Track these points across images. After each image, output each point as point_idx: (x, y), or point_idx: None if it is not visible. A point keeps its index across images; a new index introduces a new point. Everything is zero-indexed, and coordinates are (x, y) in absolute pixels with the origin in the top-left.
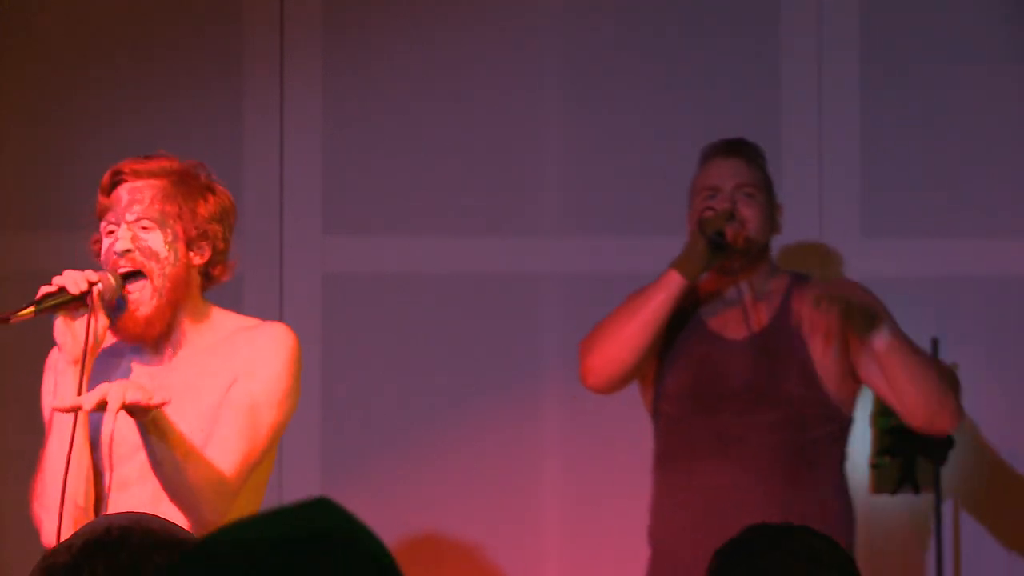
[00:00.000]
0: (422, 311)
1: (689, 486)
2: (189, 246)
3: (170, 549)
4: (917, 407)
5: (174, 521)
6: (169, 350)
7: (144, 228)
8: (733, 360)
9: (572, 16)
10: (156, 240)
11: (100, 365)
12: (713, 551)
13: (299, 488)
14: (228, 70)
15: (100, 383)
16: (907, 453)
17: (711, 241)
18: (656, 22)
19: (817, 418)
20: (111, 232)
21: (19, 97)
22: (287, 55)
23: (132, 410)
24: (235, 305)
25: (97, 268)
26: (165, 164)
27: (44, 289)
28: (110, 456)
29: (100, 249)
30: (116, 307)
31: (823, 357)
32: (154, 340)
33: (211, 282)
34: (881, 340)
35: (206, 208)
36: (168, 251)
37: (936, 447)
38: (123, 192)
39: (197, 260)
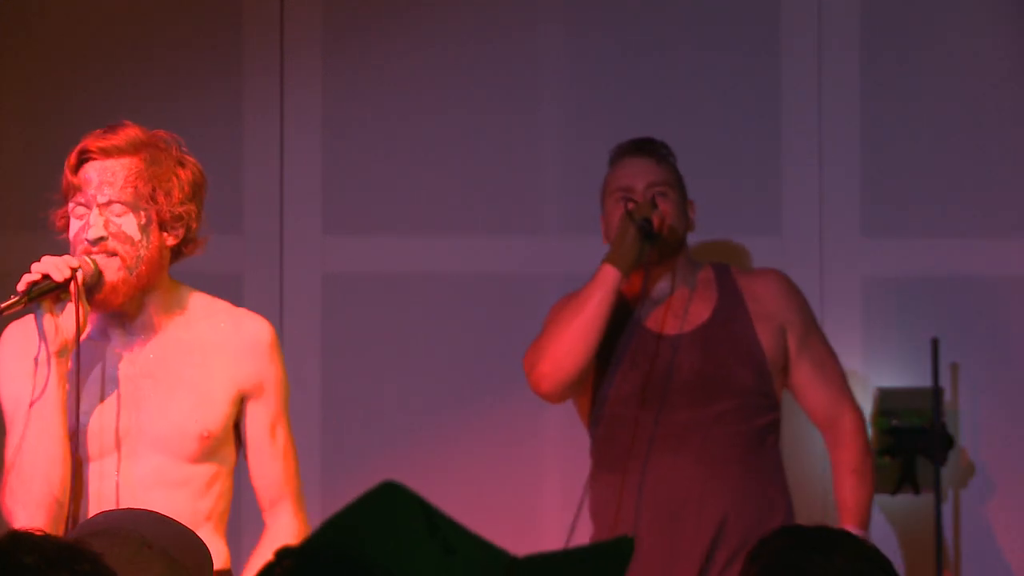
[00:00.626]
0: (422, 311)
1: (644, 484)
2: (163, 228)
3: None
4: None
5: (158, 512)
6: (143, 334)
7: (116, 213)
8: (680, 355)
9: (572, 16)
10: (130, 224)
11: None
12: (672, 546)
13: None
14: (228, 70)
15: (83, 373)
16: (907, 453)
17: (640, 228)
18: (656, 22)
19: (763, 408)
20: (81, 215)
21: (19, 97)
22: (287, 55)
23: None
24: (235, 305)
25: (64, 246)
26: (132, 136)
27: (27, 278)
28: (87, 446)
29: (65, 226)
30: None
31: (771, 348)
32: (120, 315)
33: (180, 258)
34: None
35: (180, 189)
36: (141, 235)
37: (936, 447)
38: (92, 172)
39: (171, 241)
